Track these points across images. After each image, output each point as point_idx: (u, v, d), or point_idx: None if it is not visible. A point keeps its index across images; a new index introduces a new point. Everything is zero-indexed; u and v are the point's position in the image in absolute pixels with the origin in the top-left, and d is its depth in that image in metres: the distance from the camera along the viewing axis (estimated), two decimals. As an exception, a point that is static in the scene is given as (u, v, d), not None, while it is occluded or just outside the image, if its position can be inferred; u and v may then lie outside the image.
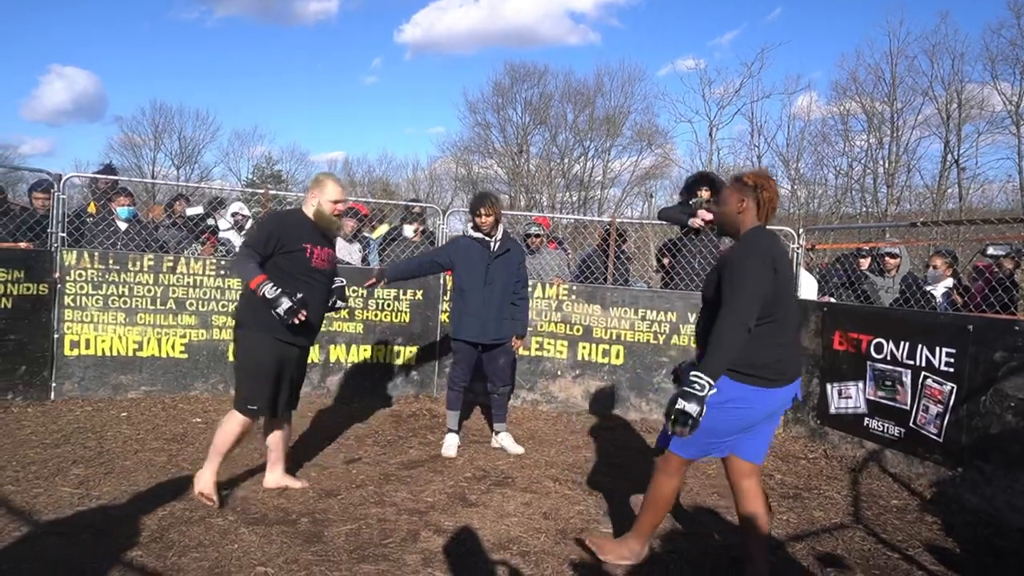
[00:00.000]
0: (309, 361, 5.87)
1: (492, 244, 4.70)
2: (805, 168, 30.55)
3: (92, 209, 6.16)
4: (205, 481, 3.61)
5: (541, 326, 6.18)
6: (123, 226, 6.08)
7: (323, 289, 3.80)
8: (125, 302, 5.58)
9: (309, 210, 3.72)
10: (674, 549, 3.38)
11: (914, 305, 5.33)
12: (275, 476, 3.91)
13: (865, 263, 6.78)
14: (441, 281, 6.26)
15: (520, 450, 4.88)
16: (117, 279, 5.56)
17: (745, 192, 2.82)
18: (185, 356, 5.75)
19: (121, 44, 46.09)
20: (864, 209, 28.66)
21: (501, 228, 4.76)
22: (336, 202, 3.72)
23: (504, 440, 4.97)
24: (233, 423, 3.62)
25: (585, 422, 5.83)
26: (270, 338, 3.57)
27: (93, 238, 5.76)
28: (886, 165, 28.57)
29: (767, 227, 2.87)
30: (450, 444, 4.83)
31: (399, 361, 6.25)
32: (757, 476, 2.95)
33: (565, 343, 6.16)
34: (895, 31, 28.73)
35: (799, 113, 31.02)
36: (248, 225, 6.57)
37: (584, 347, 6.13)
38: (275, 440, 3.90)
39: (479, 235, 4.70)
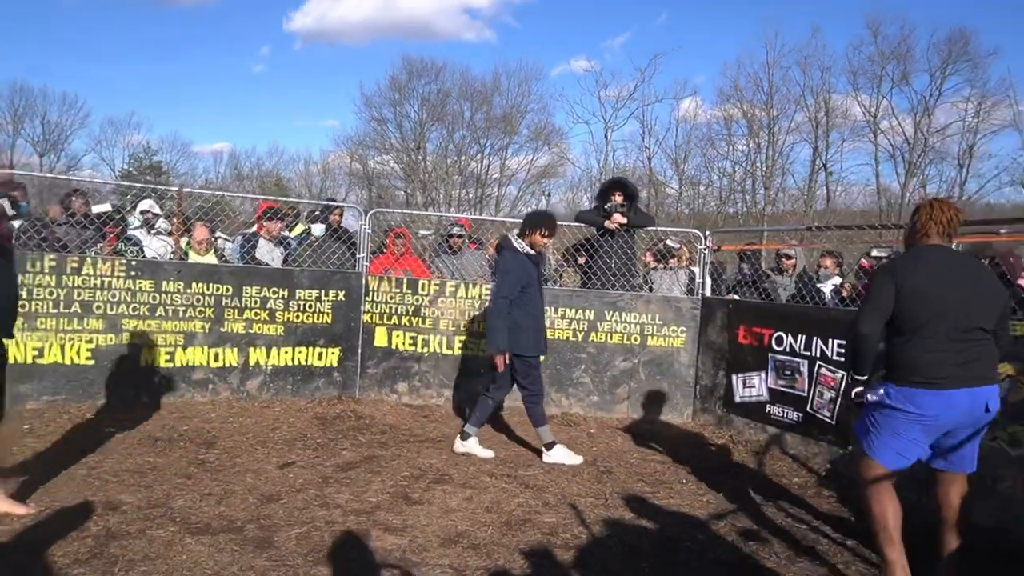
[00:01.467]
0: (227, 364, 5.77)
1: (538, 260, 4.86)
2: (692, 170, 32.25)
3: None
4: None
5: (464, 326, 6.30)
6: (16, 224, 5.64)
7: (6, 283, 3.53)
8: (23, 305, 5.20)
9: None
10: (613, 533, 3.63)
11: (808, 301, 5.87)
12: None
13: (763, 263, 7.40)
14: (363, 281, 6.25)
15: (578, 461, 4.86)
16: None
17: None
18: (92, 362, 5.43)
19: (-29, 17, 41.76)
20: (744, 208, 30.67)
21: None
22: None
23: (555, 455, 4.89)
24: None
25: (509, 418, 6.01)
26: None
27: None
28: (763, 168, 30.68)
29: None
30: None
31: (321, 363, 6.18)
32: (958, 487, 3.10)
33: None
34: (771, 43, 30.87)
35: (686, 116, 32.58)
36: (159, 224, 6.28)
37: (507, 345, 6.29)
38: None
39: (531, 251, 4.79)
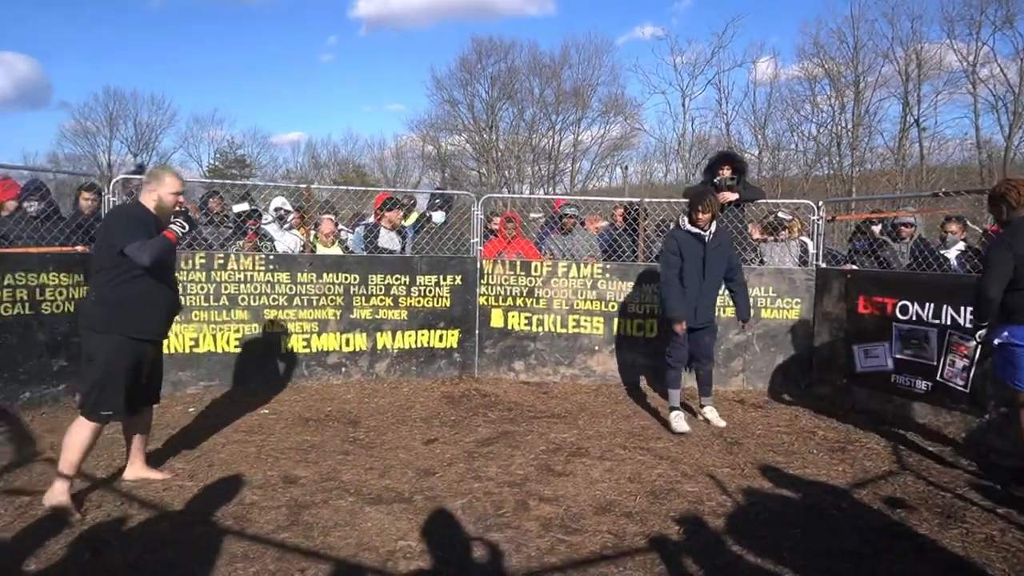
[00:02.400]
0: (356, 349, 6.14)
1: (707, 237, 5.04)
2: (773, 134, 31.22)
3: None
4: (58, 495, 3.37)
5: (577, 304, 6.48)
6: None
7: (169, 287, 3.75)
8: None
9: (149, 203, 3.63)
10: (757, 501, 3.75)
11: (926, 268, 5.75)
12: (134, 470, 3.87)
13: (876, 230, 7.22)
14: (478, 265, 6.50)
15: (723, 423, 5.22)
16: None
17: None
18: (240, 351, 5.91)
19: (63, 27, 44.48)
20: (831, 171, 29.51)
21: (715, 224, 5.10)
22: (177, 194, 3.70)
23: (709, 413, 5.32)
24: (87, 433, 3.47)
25: (624, 393, 6.18)
26: (126, 340, 3.49)
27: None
28: (850, 128, 29.36)
29: None
30: (680, 420, 5.12)
31: (442, 344, 6.50)
32: None
33: (601, 319, 6.47)
34: (856, -5, 29.28)
35: (764, 79, 31.48)
36: (290, 219, 6.71)
37: (619, 322, 6.45)
38: (135, 436, 3.85)
39: (695, 229, 5.04)
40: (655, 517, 3.54)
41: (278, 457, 4.37)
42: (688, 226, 5.05)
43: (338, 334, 6.21)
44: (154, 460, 4.20)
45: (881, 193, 24.19)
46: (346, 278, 6.19)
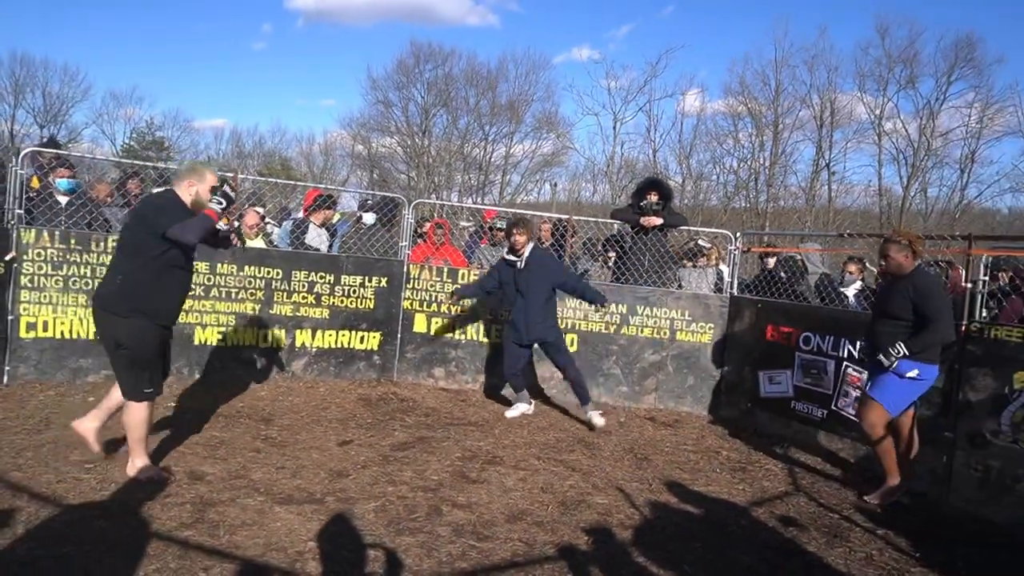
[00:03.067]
0: (274, 345, 6.02)
1: (518, 263, 5.51)
2: (696, 164, 32.46)
3: (35, 184, 5.88)
4: (145, 466, 3.70)
5: (502, 315, 6.55)
6: (63, 200, 5.80)
7: (191, 274, 3.90)
8: (87, 283, 5.42)
9: (186, 197, 3.68)
10: (662, 516, 3.90)
11: (828, 303, 6.15)
12: (86, 423, 3.86)
13: (771, 262, 7.66)
14: (404, 269, 6.48)
15: (603, 422, 5.62)
16: (79, 260, 5.40)
17: (907, 250, 4.18)
18: (150, 339, 5.65)
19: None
20: (748, 204, 30.94)
21: (530, 246, 5.44)
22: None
23: (590, 417, 5.64)
24: (142, 413, 3.68)
25: (541, 405, 6.28)
26: (153, 325, 3.62)
27: (40, 215, 5.52)
28: (767, 165, 30.91)
29: None
30: (515, 408, 5.81)
31: (362, 346, 6.43)
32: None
33: (523, 331, 6.56)
34: (780, 41, 31.02)
35: (691, 111, 32.75)
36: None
37: (541, 335, 6.55)
38: (113, 404, 3.85)
39: (509, 256, 5.57)
40: (565, 527, 3.62)
41: (184, 452, 4.21)
42: (504, 253, 5.56)
43: (256, 329, 6.04)
44: (51, 449, 3.99)
45: (792, 229, 25.54)
46: (268, 272, 6.04)
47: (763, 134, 31.02)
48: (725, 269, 6.78)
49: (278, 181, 7.50)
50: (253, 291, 6.00)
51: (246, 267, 5.95)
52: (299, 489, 3.81)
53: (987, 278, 4.56)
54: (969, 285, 4.60)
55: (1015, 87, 28.18)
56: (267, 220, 6.99)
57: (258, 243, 6.48)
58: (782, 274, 6.24)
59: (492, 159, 37.36)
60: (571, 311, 6.54)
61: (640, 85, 33.01)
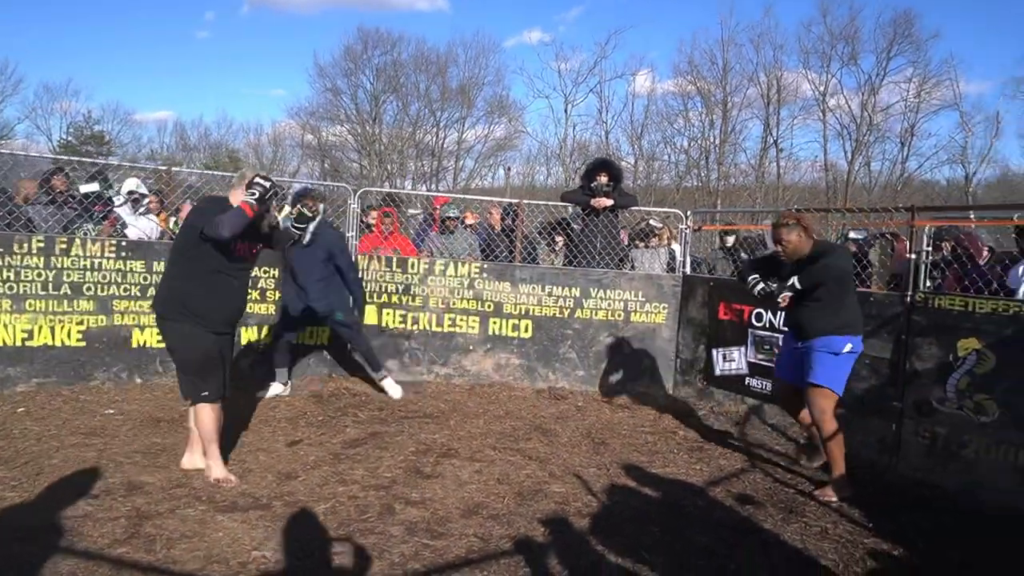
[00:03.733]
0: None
1: (304, 236, 4.83)
2: (648, 145, 32.66)
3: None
4: (218, 468, 3.80)
5: (454, 303, 6.43)
6: None
7: (245, 278, 3.94)
8: (11, 287, 5.11)
9: (236, 201, 3.65)
10: (620, 501, 3.86)
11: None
12: (192, 458, 3.94)
13: (730, 240, 7.73)
14: (354, 260, 6.28)
15: (398, 391, 5.82)
16: (1, 262, 5.08)
17: (797, 229, 4.06)
18: (83, 344, 5.38)
19: None
20: (699, 183, 31.30)
21: (313, 224, 4.97)
22: None
23: (385, 385, 5.86)
24: (205, 414, 3.74)
25: (499, 392, 6.20)
26: (201, 330, 3.67)
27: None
28: (717, 144, 31.29)
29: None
30: (275, 387, 5.71)
31: (312, 340, 6.24)
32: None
33: (477, 319, 6.46)
34: (726, 21, 31.34)
35: (642, 92, 32.90)
36: (146, 202, 6.15)
37: (495, 322, 6.46)
38: (192, 423, 3.94)
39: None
40: (521, 519, 3.55)
41: (122, 462, 4.00)
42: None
43: (197, 328, 5.79)
44: (-31, 467, 3.74)
45: (743, 206, 25.94)
46: (208, 269, 5.78)
47: (712, 113, 31.37)
48: (677, 248, 6.77)
49: (215, 173, 7.21)
50: (193, 289, 5.74)
51: (184, 264, 5.69)
52: (244, 494, 3.65)
53: (930, 248, 4.62)
54: (913, 256, 4.66)
55: (951, 62, 28.77)
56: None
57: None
58: (742, 254, 6.23)
59: (445, 145, 36.95)
60: (524, 296, 6.45)
61: (590, 66, 33.06)
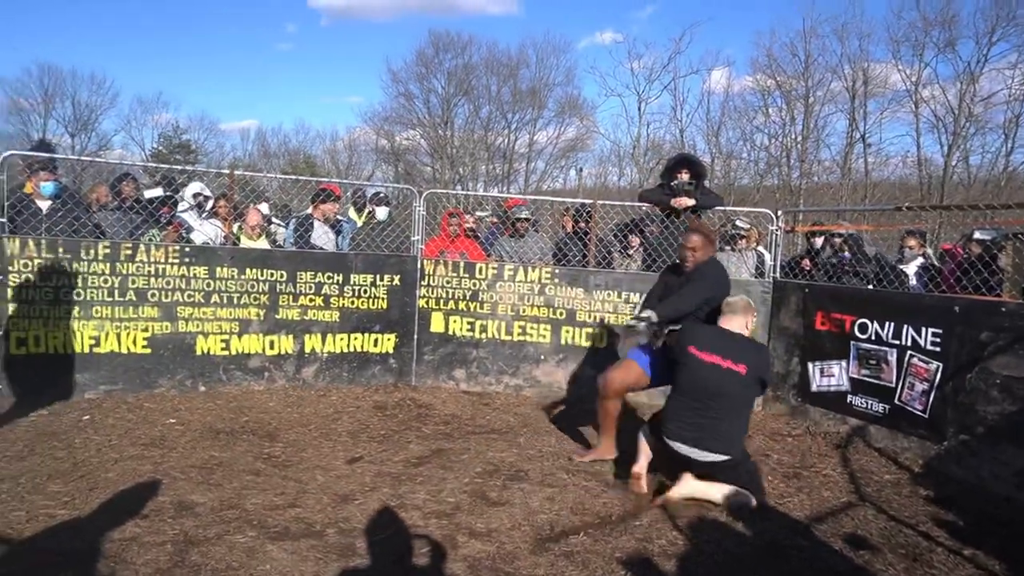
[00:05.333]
0: (282, 352, 5.62)
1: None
2: (726, 143, 31.50)
3: (29, 189, 5.54)
4: None
5: (524, 310, 6.08)
6: (44, 206, 5.38)
7: None
8: (79, 294, 5.08)
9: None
10: (711, 539, 3.40)
11: (886, 284, 5.55)
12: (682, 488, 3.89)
13: (819, 242, 7.05)
14: (419, 265, 6.03)
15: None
16: (68, 269, 5.05)
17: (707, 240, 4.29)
18: (148, 351, 5.31)
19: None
20: (780, 182, 29.91)
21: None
22: None
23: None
24: None
25: (572, 407, 5.80)
26: None
27: (23, 222, 5.15)
28: (799, 140, 29.82)
29: None
30: None
31: (376, 349, 6.01)
32: None
33: (548, 327, 6.08)
34: (808, 11, 29.86)
35: (718, 88, 31.76)
36: (209, 205, 6.09)
37: (567, 331, 6.07)
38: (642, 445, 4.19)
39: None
40: (598, 558, 3.14)
41: (176, 477, 3.83)
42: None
43: (261, 335, 5.66)
44: (28, 480, 3.63)
45: (828, 205, 24.57)
46: (272, 274, 5.64)
47: (793, 108, 29.92)
48: (764, 251, 6.19)
49: (277, 176, 7.11)
50: (257, 295, 5.60)
51: (248, 270, 5.56)
52: (297, 519, 3.39)
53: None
54: (1057, 260, 3.99)
55: (1062, 45, 26.41)
56: (276, 222, 6.59)
57: (262, 243, 6.09)
58: (846, 254, 5.60)
59: (516, 147, 36.79)
60: (599, 303, 6.03)
61: (664, 63, 32.15)
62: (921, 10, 27.70)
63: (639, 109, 33.01)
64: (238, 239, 5.96)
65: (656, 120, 34.39)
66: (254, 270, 5.57)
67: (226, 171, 5.21)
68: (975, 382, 4.36)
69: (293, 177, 6.03)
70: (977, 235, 5.17)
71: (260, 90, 51.73)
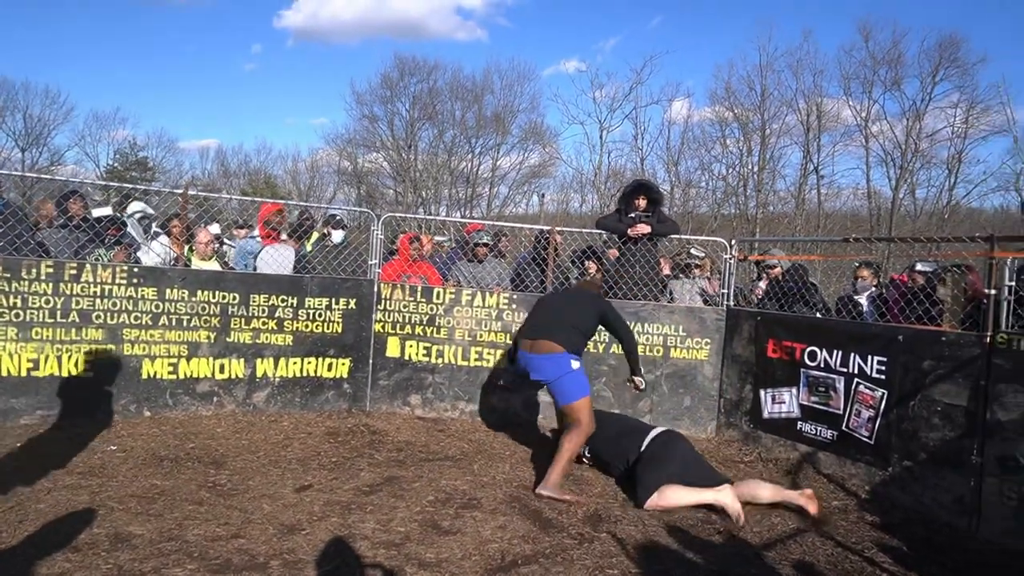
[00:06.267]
0: (232, 376, 5.49)
1: None
2: (685, 172, 32.16)
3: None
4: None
5: (481, 335, 6.05)
6: None
7: None
8: (17, 315, 4.89)
9: None
10: (661, 570, 3.40)
11: (843, 314, 5.67)
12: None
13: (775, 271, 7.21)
14: (376, 289, 5.98)
15: None
16: (7, 288, 4.87)
17: None
18: (91, 375, 5.13)
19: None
20: (737, 211, 30.61)
21: None
22: None
23: None
24: None
25: (528, 433, 5.77)
26: None
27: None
28: (755, 171, 30.63)
29: None
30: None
31: (331, 374, 5.91)
32: None
33: (505, 353, 6.06)
34: (764, 46, 30.88)
35: (678, 118, 32.49)
36: (155, 226, 5.95)
37: (524, 356, 6.05)
38: None
39: None
40: (549, 588, 3.11)
41: (113, 508, 3.68)
42: None
43: (211, 359, 5.52)
44: (-51, 512, 3.44)
45: (783, 235, 25.21)
46: (224, 296, 5.52)
47: (750, 139, 30.78)
48: (706, 284, 6.31)
49: (233, 197, 7.00)
50: (207, 318, 5.47)
51: (199, 292, 5.43)
52: (240, 551, 3.28)
53: (1013, 283, 4.11)
54: (993, 291, 4.14)
55: (999, 86, 27.81)
56: (227, 242, 6.47)
57: (213, 264, 5.96)
58: (791, 284, 5.73)
59: (479, 172, 36.98)
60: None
61: (625, 93, 32.80)
62: (870, 49, 28.94)
63: (601, 137, 33.57)
64: (189, 260, 5.83)
65: (618, 148, 34.93)
66: (206, 292, 5.45)
67: (179, 191, 5.09)
68: (918, 409, 4.48)
69: (251, 199, 5.91)
70: (919, 267, 5.35)
71: (223, 109, 51.24)
